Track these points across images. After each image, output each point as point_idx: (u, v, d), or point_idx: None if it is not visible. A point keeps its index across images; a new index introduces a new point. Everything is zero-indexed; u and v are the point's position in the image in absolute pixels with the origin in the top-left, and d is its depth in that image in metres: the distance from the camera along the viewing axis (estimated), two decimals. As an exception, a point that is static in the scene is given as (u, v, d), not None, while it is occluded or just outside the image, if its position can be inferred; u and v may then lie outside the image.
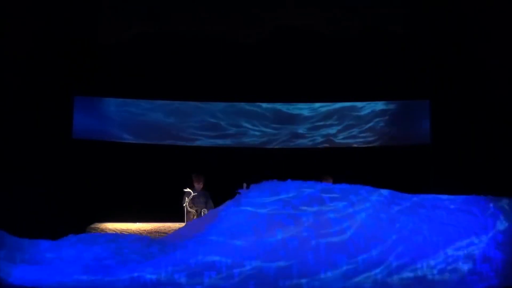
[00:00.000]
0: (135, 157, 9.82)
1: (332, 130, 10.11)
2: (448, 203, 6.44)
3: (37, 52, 9.33)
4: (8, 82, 9.20)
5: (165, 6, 9.47)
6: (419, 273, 5.89)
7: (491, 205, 6.46)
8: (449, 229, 6.23)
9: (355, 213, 6.17)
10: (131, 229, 8.06)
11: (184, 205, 8.03)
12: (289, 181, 6.61)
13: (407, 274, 5.86)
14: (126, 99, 10.04)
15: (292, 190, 6.44)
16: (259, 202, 6.27)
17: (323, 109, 10.17)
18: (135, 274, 5.77)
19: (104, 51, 9.73)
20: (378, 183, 6.78)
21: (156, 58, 9.77)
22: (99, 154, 9.74)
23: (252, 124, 10.14)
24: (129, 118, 10.03)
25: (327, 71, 9.81)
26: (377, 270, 5.84)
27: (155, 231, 8.05)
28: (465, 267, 6.00)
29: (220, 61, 9.75)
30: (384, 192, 6.46)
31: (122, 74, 9.74)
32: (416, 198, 6.49)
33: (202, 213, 7.94)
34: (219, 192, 7.84)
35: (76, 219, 8.45)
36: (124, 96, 10.01)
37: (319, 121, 10.14)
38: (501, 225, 6.30)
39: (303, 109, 10.20)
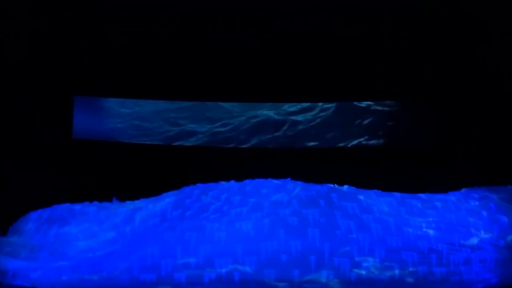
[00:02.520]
0: (136, 157, 9.81)
1: (332, 130, 10.11)
2: (452, 201, 6.45)
3: (37, 52, 9.33)
4: (8, 82, 9.20)
5: (165, 7, 9.47)
6: (419, 275, 5.90)
7: (492, 204, 6.48)
8: (451, 231, 6.24)
9: (363, 215, 6.17)
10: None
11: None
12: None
13: (407, 277, 5.87)
14: (126, 99, 10.05)
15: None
16: None
17: (323, 109, 10.17)
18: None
19: (104, 51, 9.72)
20: (378, 184, 6.79)
21: (156, 58, 9.76)
22: (99, 154, 9.73)
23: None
24: (130, 118, 10.04)
25: (327, 71, 9.80)
26: (379, 274, 5.84)
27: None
28: (463, 267, 6.02)
29: (220, 61, 9.74)
30: (395, 194, 6.48)
31: (122, 74, 9.73)
32: (424, 197, 6.49)
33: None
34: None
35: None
36: (124, 96, 10.01)
37: (319, 121, 10.14)
38: (500, 224, 6.32)
39: (302, 108, 10.20)
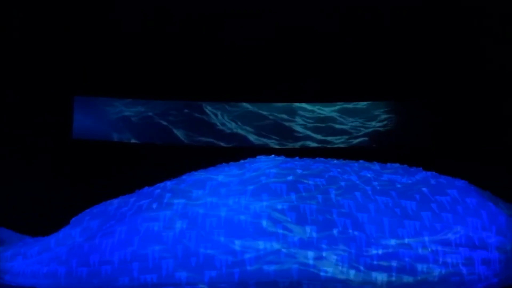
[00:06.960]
0: (136, 157, 9.84)
1: (332, 130, 10.11)
2: (448, 200, 6.41)
3: (37, 52, 9.35)
4: (8, 82, 9.22)
5: (165, 6, 9.50)
6: (419, 275, 5.88)
7: (491, 203, 6.45)
8: (449, 231, 6.23)
9: (360, 216, 6.14)
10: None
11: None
12: None
13: (407, 277, 5.85)
14: (126, 99, 10.08)
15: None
16: None
17: (322, 109, 10.17)
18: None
19: (104, 50, 9.74)
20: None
21: (156, 58, 9.78)
22: (99, 154, 9.75)
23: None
24: (129, 118, 10.06)
25: (327, 71, 9.81)
26: (377, 274, 5.82)
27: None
28: (463, 267, 6.00)
29: (220, 61, 9.76)
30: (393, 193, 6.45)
31: (122, 74, 9.75)
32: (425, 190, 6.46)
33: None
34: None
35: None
36: (124, 96, 10.03)
37: (319, 121, 10.15)
38: (500, 224, 6.30)
39: (302, 109, 10.21)
